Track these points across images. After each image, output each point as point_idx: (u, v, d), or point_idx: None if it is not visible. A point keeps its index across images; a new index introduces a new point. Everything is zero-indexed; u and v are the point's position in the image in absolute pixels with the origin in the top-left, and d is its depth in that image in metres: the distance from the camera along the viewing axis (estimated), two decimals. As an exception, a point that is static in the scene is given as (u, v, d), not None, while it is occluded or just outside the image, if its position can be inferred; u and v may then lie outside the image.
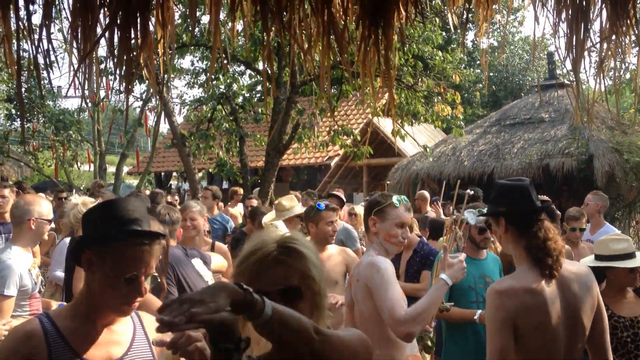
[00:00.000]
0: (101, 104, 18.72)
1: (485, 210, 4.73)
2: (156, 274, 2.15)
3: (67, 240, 5.42)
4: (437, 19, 10.66)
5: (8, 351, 1.98)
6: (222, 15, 3.07)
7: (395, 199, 3.48)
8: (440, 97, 11.53)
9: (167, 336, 1.62)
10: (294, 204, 6.00)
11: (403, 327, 3.05)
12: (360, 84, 3.00)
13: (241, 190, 11.08)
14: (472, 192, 4.91)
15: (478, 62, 31.25)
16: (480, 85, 29.27)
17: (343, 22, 2.59)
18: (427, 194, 10.40)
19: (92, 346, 2.05)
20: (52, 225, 4.61)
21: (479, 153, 15.95)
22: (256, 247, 1.85)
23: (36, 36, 1.94)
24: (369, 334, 2.23)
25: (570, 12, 2.47)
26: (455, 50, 14.44)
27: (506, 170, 14.94)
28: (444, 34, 13.23)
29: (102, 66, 9.51)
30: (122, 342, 2.15)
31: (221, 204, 10.01)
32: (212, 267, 4.66)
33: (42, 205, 4.28)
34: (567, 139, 14.75)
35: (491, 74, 31.83)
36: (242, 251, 1.88)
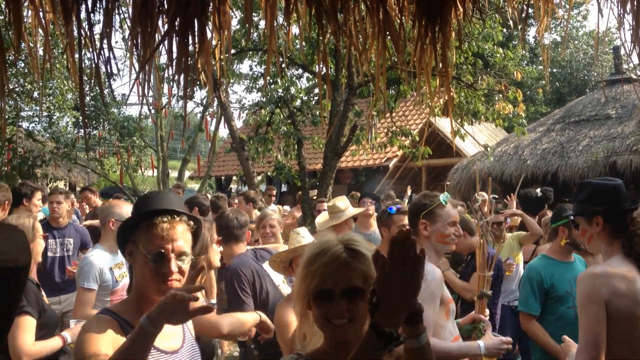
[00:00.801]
0: (163, 110, 19.15)
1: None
2: (190, 255, 2.21)
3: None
4: (497, 15, 10.45)
5: (99, 329, 2.03)
6: (278, 19, 3.09)
7: (441, 198, 3.38)
8: (501, 95, 11.29)
9: None
10: (347, 205, 5.98)
11: None
12: (418, 84, 2.96)
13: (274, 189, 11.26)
14: (539, 193, 4.76)
15: (540, 58, 30.52)
16: (543, 82, 28.57)
17: (399, 22, 2.56)
18: (485, 194, 10.19)
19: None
20: None
21: (543, 152, 15.56)
22: (323, 248, 1.90)
23: (98, 45, 1.98)
24: None
25: (635, 3, 2.37)
26: (516, 47, 14.11)
27: (571, 169, 14.53)
28: (504, 30, 12.96)
29: (164, 73, 9.76)
30: (176, 332, 2.24)
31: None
32: None
33: (122, 208, 4.56)
34: (635, 135, 14.23)
35: (555, 70, 31.01)
36: (307, 252, 1.94)
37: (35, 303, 3.48)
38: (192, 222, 2.25)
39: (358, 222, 7.09)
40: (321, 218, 6.03)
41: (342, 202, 5.96)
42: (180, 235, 2.16)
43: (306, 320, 1.95)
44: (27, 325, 3.39)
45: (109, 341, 1.99)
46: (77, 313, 4.17)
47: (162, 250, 2.11)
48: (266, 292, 4.18)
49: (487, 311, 4.15)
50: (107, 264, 4.41)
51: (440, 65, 2.46)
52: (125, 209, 4.55)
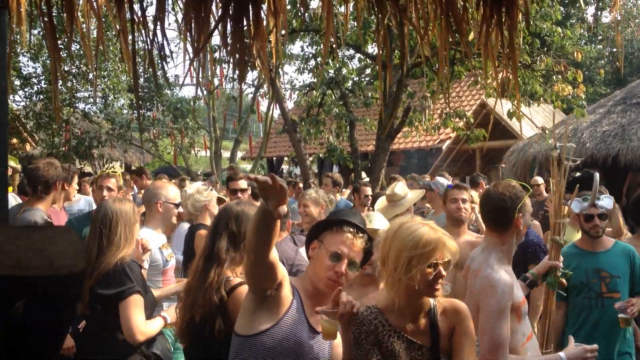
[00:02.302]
0: (216, 91, 19.27)
1: (604, 196, 4.42)
2: (357, 267, 2.69)
3: (186, 225, 5.63)
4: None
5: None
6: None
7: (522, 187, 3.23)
8: (560, 76, 10.91)
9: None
10: (406, 190, 5.82)
11: None
12: (475, 64, 2.83)
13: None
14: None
15: (600, 37, 29.50)
16: (603, 61, 27.62)
17: (462, 3, 2.43)
18: (540, 179, 9.90)
19: (311, 312, 2.59)
20: (181, 209, 4.79)
21: (603, 134, 14.99)
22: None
23: (151, 30, 1.93)
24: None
25: None
26: (574, 26, 13.61)
27: (632, 153, 13.97)
28: (562, 9, 12.50)
29: (216, 54, 9.76)
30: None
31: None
32: None
33: (169, 190, 4.57)
34: (700, 116, 13.58)
35: (614, 50, 29.94)
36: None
37: (141, 283, 3.57)
38: (369, 242, 2.66)
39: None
40: (380, 205, 5.86)
41: (401, 188, 5.76)
42: (358, 247, 2.60)
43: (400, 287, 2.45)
44: (139, 304, 3.47)
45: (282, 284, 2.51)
46: None
47: (340, 252, 2.54)
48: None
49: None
50: (156, 244, 4.43)
51: (507, 48, 2.33)
52: (171, 190, 4.57)
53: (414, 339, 2.50)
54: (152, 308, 3.73)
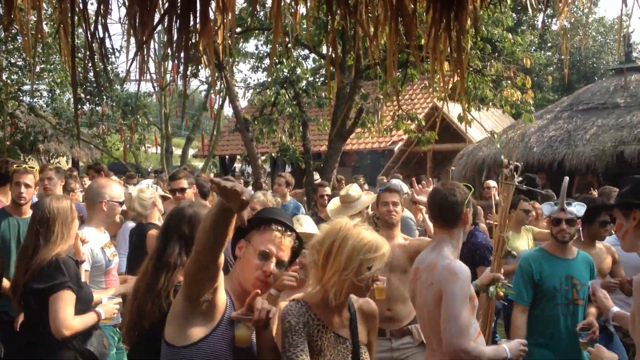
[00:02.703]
0: (168, 88, 18.99)
1: (577, 203, 4.50)
2: (285, 267, 2.67)
3: (131, 224, 5.56)
4: (509, 0, 10.25)
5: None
6: (285, -1, 2.96)
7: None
8: (509, 82, 11.11)
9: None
10: (360, 192, 5.80)
11: (461, 357, 2.90)
12: (427, 67, 2.86)
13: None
14: (545, 192, 4.64)
15: (549, 44, 30.23)
16: (551, 68, 28.29)
17: (412, 6, 2.44)
18: (492, 182, 10.09)
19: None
20: (124, 207, 4.80)
21: (549, 139, 15.38)
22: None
23: (92, 23, 1.86)
24: (436, 336, 3.06)
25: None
26: (525, 33, 13.89)
27: (578, 158, 14.37)
28: (514, 15, 12.75)
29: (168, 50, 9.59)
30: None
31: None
32: None
33: (114, 189, 4.51)
34: (644, 125, 14.04)
35: (563, 57, 30.72)
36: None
37: (75, 279, 3.58)
38: (297, 241, 2.63)
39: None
40: (333, 205, 5.82)
41: (355, 190, 5.74)
42: (286, 246, 2.55)
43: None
44: (68, 300, 3.49)
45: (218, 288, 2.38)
46: None
47: (268, 251, 2.48)
48: None
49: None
50: (98, 243, 4.37)
51: (455, 52, 2.34)
52: (115, 189, 4.52)
53: (339, 333, 2.63)
54: (87, 304, 3.73)
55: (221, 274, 2.37)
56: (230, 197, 2.05)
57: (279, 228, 2.54)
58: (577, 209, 4.39)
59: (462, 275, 3.02)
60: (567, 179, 4.56)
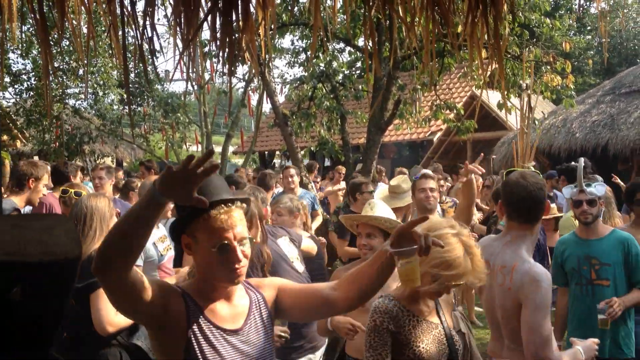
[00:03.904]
0: (207, 86, 19.24)
1: (597, 184, 4.49)
2: (251, 237, 2.26)
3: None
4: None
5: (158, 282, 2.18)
6: (322, -7, 3.02)
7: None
8: (549, 67, 10.96)
9: None
10: (410, 184, 5.76)
11: None
12: (465, 56, 2.87)
13: (343, 169, 11.12)
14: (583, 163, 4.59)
15: (588, 27, 29.59)
16: (592, 52, 27.71)
17: (448, -7, 2.47)
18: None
19: (222, 319, 2.19)
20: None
21: (592, 124, 15.10)
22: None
23: (141, 23, 1.96)
24: (511, 336, 3.02)
25: None
26: (563, 17, 13.66)
27: (622, 142, 14.09)
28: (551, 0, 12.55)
29: (206, 49, 9.75)
30: (244, 312, 2.27)
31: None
32: (302, 247, 4.60)
33: None
34: (688, 105, 13.69)
35: (603, 40, 30.04)
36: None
37: None
38: (244, 205, 2.26)
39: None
40: (381, 194, 5.72)
41: (406, 182, 5.60)
42: (239, 221, 2.17)
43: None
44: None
45: (167, 302, 2.09)
46: None
47: (226, 242, 2.12)
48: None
49: None
50: (150, 238, 4.41)
51: (492, 38, 2.37)
52: None
53: (430, 320, 2.76)
54: None
55: (162, 284, 2.20)
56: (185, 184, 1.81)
57: (222, 209, 2.13)
58: (598, 189, 4.41)
59: (544, 284, 2.84)
60: (582, 159, 4.61)
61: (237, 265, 2.14)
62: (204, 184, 2.08)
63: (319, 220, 7.83)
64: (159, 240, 4.55)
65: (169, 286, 2.19)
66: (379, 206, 3.69)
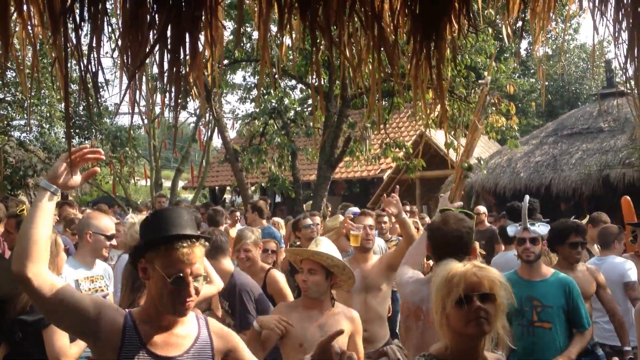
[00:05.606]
0: (156, 120, 19.08)
1: (540, 223, 4.59)
2: (205, 275, 2.30)
3: (126, 256, 5.53)
4: (490, 29, 10.48)
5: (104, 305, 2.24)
6: (273, 30, 3.06)
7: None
8: (494, 108, 11.29)
9: None
10: (337, 222, 5.91)
11: None
12: (412, 96, 2.95)
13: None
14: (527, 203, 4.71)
15: (532, 70, 30.66)
16: (535, 94, 28.66)
17: (393, 37, 2.53)
18: (482, 208, 10.17)
19: (156, 345, 2.24)
20: (113, 242, 4.57)
21: (536, 164, 15.57)
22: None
23: (86, 58, 1.94)
24: None
25: (631, 20, 2.34)
26: (508, 60, 14.15)
27: (564, 182, 14.55)
28: (496, 43, 13.00)
29: (157, 83, 9.70)
30: (183, 344, 2.30)
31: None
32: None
33: (101, 221, 4.40)
34: (628, 148, 14.26)
35: (547, 83, 31.13)
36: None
37: None
38: (207, 244, 2.32)
39: None
40: (332, 222, 5.93)
41: (336, 221, 5.86)
42: (198, 258, 2.22)
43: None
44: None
45: (99, 312, 2.17)
46: None
47: (182, 275, 2.17)
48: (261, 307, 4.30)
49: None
50: (72, 277, 4.20)
51: (436, 80, 2.43)
52: (103, 221, 4.40)
53: None
54: None
55: (93, 298, 2.24)
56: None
57: (184, 244, 2.19)
58: (540, 228, 4.48)
59: None
60: (527, 197, 4.68)
61: (187, 299, 2.19)
62: (173, 216, 2.28)
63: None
64: (86, 280, 4.32)
65: (107, 301, 2.26)
66: (324, 243, 3.71)
